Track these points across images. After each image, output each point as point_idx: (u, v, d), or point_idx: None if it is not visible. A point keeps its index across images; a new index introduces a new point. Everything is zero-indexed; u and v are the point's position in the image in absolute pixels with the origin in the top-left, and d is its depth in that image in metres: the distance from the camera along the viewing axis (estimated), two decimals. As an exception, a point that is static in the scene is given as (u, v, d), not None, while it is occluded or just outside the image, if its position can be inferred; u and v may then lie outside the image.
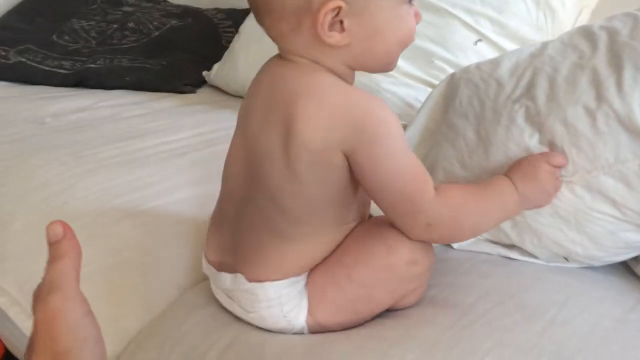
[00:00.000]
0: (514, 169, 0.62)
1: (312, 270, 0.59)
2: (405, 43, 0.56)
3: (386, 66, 0.57)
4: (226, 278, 0.61)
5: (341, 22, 0.51)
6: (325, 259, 0.59)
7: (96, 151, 0.98)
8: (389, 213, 0.56)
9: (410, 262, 0.57)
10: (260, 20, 0.55)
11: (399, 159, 0.54)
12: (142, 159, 0.97)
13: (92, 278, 0.74)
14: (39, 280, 0.43)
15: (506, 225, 0.67)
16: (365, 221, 0.62)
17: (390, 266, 0.57)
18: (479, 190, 0.59)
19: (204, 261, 0.66)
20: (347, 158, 0.53)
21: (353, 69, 0.56)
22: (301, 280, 0.59)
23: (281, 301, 0.58)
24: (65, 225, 0.44)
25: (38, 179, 0.89)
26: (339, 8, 0.50)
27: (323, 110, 0.52)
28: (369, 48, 0.54)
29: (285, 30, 0.53)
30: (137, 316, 0.72)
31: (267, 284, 0.57)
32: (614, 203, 0.61)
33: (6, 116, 1.13)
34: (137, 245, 0.78)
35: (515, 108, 0.67)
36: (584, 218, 0.62)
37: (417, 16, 0.56)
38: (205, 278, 0.71)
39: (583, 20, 1.12)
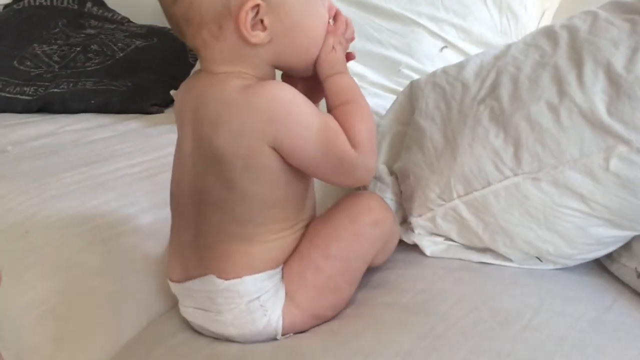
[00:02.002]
0: (330, 64, 0.60)
1: (286, 262, 0.61)
2: (322, 37, 0.59)
3: (307, 62, 0.60)
4: (197, 283, 0.61)
5: (262, 20, 0.55)
6: (297, 248, 0.61)
7: (59, 177, 0.95)
8: (332, 179, 0.61)
9: (372, 224, 0.62)
10: (181, 33, 0.58)
11: (316, 126, 0.56)
12: (108, 182, 0.94)
13: (56, 310, 0.71)
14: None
15: (478, 228, 0.66)
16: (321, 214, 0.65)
17: (357, 233, 0.61)
18: (361, 106, 0.60)
19: (170, 284, 0.65)
20: (276, 150, 0.56)
21: (276, 67, 0.59)
22: (277, 273, 0.61)
23: (260, 293, 0.59)
24: None
25: (-2, 209, 0.86)
26: (258, 6, 0.54)
27: (236, 117, 0.55)
28: (291, 43, 0.57)
29: (207, 37, 0.56)
30: (105, 347, 0.68)
31: (247, 278, 0.59)
32: (581, 197, 0.60)
33: (-35, 146, 1.10)
34: (103, 273, 0.75)
35: (480, 109, 0.67)
36: (553, 215, 0.61)
37: (331, 10, 0.60)
38: (175, 304, 0.68)
39: (546, 23, 1.13)
